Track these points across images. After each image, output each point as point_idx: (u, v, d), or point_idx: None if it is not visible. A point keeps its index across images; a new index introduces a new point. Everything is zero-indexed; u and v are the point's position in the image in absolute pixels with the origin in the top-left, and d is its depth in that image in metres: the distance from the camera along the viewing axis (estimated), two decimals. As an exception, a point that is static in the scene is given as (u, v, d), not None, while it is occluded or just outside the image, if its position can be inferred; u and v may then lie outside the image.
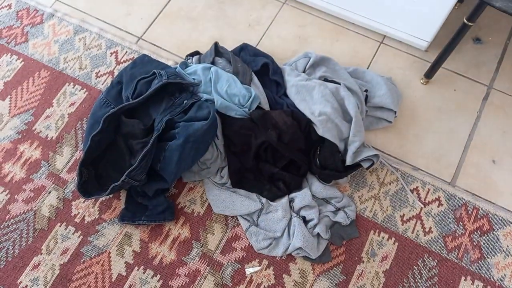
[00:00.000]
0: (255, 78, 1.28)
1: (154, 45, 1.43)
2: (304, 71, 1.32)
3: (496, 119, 1.29)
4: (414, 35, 1.34)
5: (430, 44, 1.34)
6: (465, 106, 1.31)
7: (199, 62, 1.33)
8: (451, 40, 1.16)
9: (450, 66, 1.36)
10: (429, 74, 1.31)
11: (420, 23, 1.28)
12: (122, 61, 1.39)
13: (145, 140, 1.05)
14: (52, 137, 1.27)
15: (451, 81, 1.35)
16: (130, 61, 1.37)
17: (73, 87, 1.35)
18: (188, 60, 1.35)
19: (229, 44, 1.39)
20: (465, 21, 1.09)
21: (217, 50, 1.34)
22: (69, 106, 1.31)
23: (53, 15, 1.48)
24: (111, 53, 1.40)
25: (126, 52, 1.40)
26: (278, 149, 1.13)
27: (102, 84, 1.35)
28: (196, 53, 1.39)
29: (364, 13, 1.36)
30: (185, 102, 1.16)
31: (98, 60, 1.39)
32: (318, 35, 1.45)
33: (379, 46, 1.42)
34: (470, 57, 1.39)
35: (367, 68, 1.37)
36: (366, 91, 1.30)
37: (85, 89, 1.34)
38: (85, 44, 1.42)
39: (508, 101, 1.32)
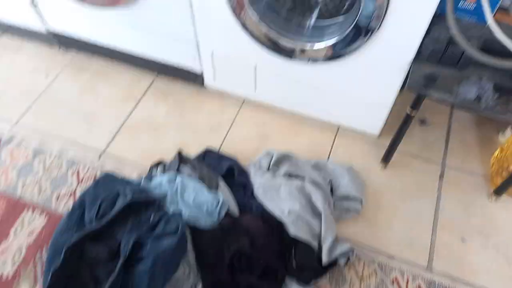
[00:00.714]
0: (221, 183, 1.29)
1: (117, 158, 1.44)
2: (268, 169, 1.35)
3: (455, 196, 1.35)
4: (365, 124, 1.43)
5: (381, 130, 1.43)
6: (425, 186, 1.38)
7: (164, 172, 1.34)
8: (398, 129, 1.25)
9: (404, 149, 1.44)
10: (385, 160, 1.38)
11: (368, 114, 1.37)
12: (84, 179, 1.37)
13: (111, 268, 1.00)
14: (8, 275, 1.18)
15: (407, 163, 1.43)
16: (93, 178, 1.36)
17: (32, 214, 1.29)
18: (153, 171, 1.35)
19: (193, 150, 1.42)
20: (409, 110, 1.19)
21: (181, 158, 1.36)
22: (28, 235, 1.24)
23: (12, 139, 1.47)
24: (72, 173, 1.38)
25: (88, 169, 1.39)
26: (253, 256, 1.11)
27: (63, 207, 1.31)
28: (160, 162, 1.40)
29: (316, 109, 1.46)
30: (151, 218, 1.14)
31: (59, 181, 1.36)
32: (277, 132, 1.52)
33: (335, 137, 1.50)
34: (420, 138, 1.49)
35: (328, 159, 1.43)
36: (330, 182, 1.34)
37: (45, 214, 1.29)
38: (45, 166, 1.40)
39: (462, 177, 1.39)
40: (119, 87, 1.64)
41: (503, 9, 1.02)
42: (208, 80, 1.55)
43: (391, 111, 1.34)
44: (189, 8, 1.27)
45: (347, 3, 1.21)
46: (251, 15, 1.18)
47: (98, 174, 1.38)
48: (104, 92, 1.63)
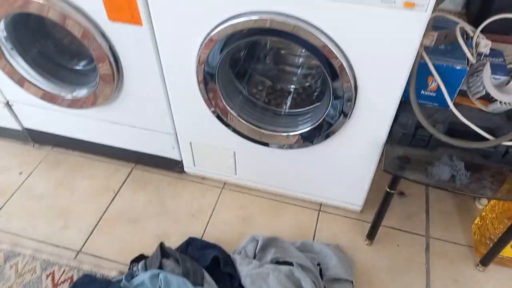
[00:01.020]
0: (207, 276, 1.24)
1: (95, 256, 1.37)
2: (254, 256, 1.32)
3: (444, 268, 1.34)
4: (346, 201, 1.45)
5: (363, 205, 1.45)
6: (413, 260, 1.37)
7: (146, 268, 1.28)
8: (380, 207, 1.27)
9: (387, 223, 1.45)
10: (370, 236, 1.38)
11: (349, 191, 1.40)
12: (59, 282, 1.28)
13: None
14: None
15: (392, 237, 1.43)
16: (70, 281, 1.28)
17: (3, 329, 1.19)
18: (134, 268, 1.29)
19: (175, 240, 1.38)
20: (388, 189, 1.21)
21: (163, 251, 1.31)
22: None
23: (-19, 245, 1.39)
24: (47, 275, 1.30)
25: (64, 271, 1.31)
26: None
27: (38, 317, 1.21)
28: (141, 257, 1.34)
29: (297, 188, 1.47)
30: (136, 325, 1.07)
31: (32, 286, 1.28)
32: (260, 213, 1.51)
33: (318, 214, 1.50)
34: (400, 211, 1.51)
35: (313, 239, 1.42)
36: (318, 264, 1.31)
37: (17, 328, 1.19)
38: (17, 271, 1.31)
39: (448, 248, 1.40)
40: (96, 180, 1.62)
41: (462, 92, 1.11)
42: (187, 166, 1.56)
43: (371, 185, 1.37)
44: (166, 104, 1.31)
45: (316, 94, 1.28)
46: (229, 109, 1.23)
47: (75, 275, 1.31)
48: (81, 186, 1.60)
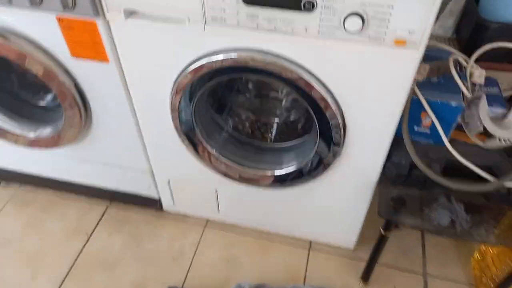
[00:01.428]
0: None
1: (66, 310, 1.25)
2: (241, 305, 1.22)
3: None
4: (337, 238, 1.36)
5: (356, 242, 1.36)
6: (411, 302, 1.28)
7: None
8: (374, 248, 1.17)
9: (381, 260, 1.35)
10: (365, 277, 1.29)
11: (340, 228, 1.30)
12: None
13: None
14: None
15: (388, 276, 1.33)
16: None
17: None
18: (108, 324, 1.18)
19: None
20: (382, 231, 1.13)
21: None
22: None
23: None
24: (11, 336, 1.18)
25: (31, 330, 1.19)
26: None
27: None
28: (117, 310, 1.23)
29: (286, 226, 1.38)
30: None
31: None
32: (247, 254, 1.40)
33: (308, 253, 1.40)
34: (395, 245, 1.42)
35: (304, 283, 1.31)
36: (310, 311, 1.22)
37: None
38: (-23, 333, 1.19)
39: (447, 286, 1.32)
40: (67, 221, 1.49)
41: (459, 127, 1.04)
42: (166, 205, 1.45)
43: (365, 218, 1.28)
44: (140, 142, 1.21)
45: (301, 127, 1.20)
46: (209, 149, 1.14)
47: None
48: (51, 228, 1.47)
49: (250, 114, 1.23)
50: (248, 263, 1.37)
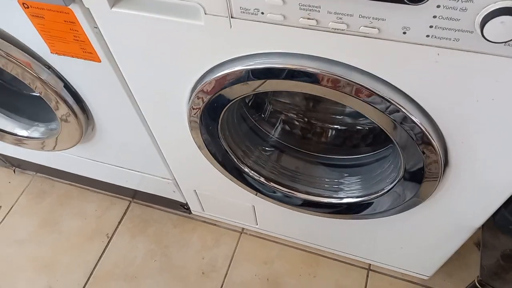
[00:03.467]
0: None
1: (84, 331, 1.12)
2: None
3: None
4: (409, 266, 1.08)
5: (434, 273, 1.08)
6: None
7: None
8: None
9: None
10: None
11: (414, 261, 1.02)
12: None
13: None
14: None
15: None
16: None
17: None
18: None
19: (182, 309, 1.09)
20: (477, 285, 0.83)
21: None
22: None
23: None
24: None
25: None
26: None
27: None
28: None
29: (339, 244, 1.11)
30: None
31: None
32: (290, 271, 1.16)
33: (367, 276, 1.15)
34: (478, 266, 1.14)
35: (361, 315, 1.09)
36: None
37: None
38: None
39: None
40: (86, 219, 1.30)
41: None
42: (195, 210, 1.22)
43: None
44: (156, 150, 0.94)
45: (370, 141, 0.86)
46: (241, 167, 0.85)
47: None
48: (69, 226, 1.29)
49: (299, 116, 0.92)
50: (292, 284, 1.14)
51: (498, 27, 0.41)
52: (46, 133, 1.01)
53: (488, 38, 0.42)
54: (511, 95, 0.50)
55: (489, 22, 0.41)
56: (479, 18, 0.42)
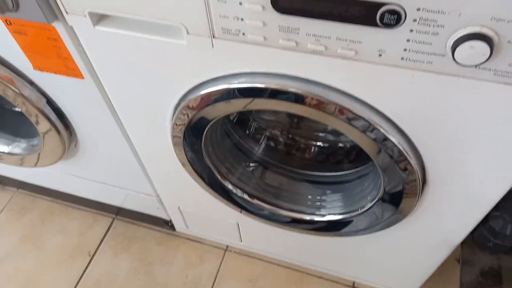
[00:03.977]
0: None
1: None
2: None
3: None
4: (393, 283, 1.08)
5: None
6: None
7: None
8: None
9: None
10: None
11: (397, 277, 1.02)
12: None
13: None
14: None
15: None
16: None
17: None
18: None
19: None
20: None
21: None
22: None
23: None
24: None
25: None
26: None
27: None
28: None
29: (324, 264, 1.11)
30: None
31: None
32: (275, 288, 1.17)
33: (352, 293, 1.15)
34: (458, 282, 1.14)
35: (345, 334, 1.08)
36: None
37: None
38: None
39: None
40: (68, 235, 1.28)
41: None
42: (179, 227, 1.21)
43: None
44: (138, 165, 0.94)
45: (352, 158, 0.87)
46: (229, 187, 0.85)
47: None
48: (51, 243, 1.26)
49: (283, 132, 0.93)
50: (276, 301, 1.14)
51: (468, 51, 0.43)
52: (27, 149, 0.99)
53: (459, 62, 0.44)
54: (484, 116, 0.52)
55: (460, 46, 0.43)
56: (450, 42, 0.44)
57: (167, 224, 1.22)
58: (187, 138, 0.74)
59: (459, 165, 0.61)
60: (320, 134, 0.89)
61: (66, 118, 0.85)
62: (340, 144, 0.87)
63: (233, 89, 0.60)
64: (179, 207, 1.06)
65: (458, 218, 0.72)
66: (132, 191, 1.07)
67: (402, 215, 0.72)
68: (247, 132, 0.94)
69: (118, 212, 1.29)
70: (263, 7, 0.47)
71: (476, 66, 0.45)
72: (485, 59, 0.43)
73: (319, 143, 0.90)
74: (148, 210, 1.17)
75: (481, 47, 0.42)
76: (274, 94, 0.58)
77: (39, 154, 0.98)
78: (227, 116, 0.86)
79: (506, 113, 0.50)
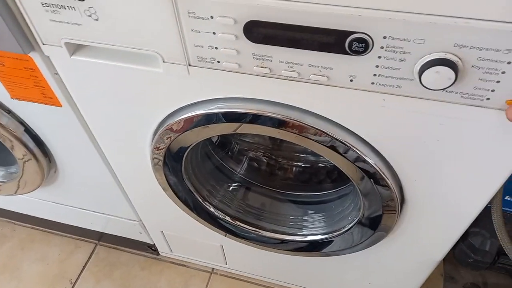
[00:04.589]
0: None
1: None
2: None
3: None
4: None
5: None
6: None
7: None
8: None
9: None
10: None
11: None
12: None
13: None
14: None
15: None
16: None
17: None
18: None
19: None
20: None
21: None
22: None
23: None
24: None
25: None
26: None
27: None
28: None
29: (313, 282, 1.10)
30: None
31: None
32: (262, 311, 1.15)
33: (338, 312, 1.15)
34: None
35: None
36: None
37: None
38: None
39: None
40: (48, 263, 1.24)
41: None
42: (163, 251, 1.19)
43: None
44: (121, 193, 0.93)
45: (333, 178, 0.88)
46: (211, 210, 0.85)
47: None
48: (29, 272, 1.23)
49: (264, 154, 0.94)
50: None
51: (434, 76, 0.44)
52: (6, 177, 0.98)
53: (426, 86, 0.45)
54: (454, 136, 0.53)
55: (426, 71, 0.44)
56: (417, 68, 0.45)
57: (151, 249, 1.20)
58: (167, 162, 0.74)
59: (435, 183, 0.62)
60: (302, 155, 0.90)
61: (45, 145, 0.85)
62: (321, 164, 0.88)
63: (210, 114, 0.61)
64: (162, 231, 1.05)
65: (438, 235, 0.73)
66: (114, 216, 1.05)
67: (383, 233, 0.73)
68: (230, 154, 0.95)
69: (101, 237, 1.27)
70: (236, 37, 0.48)
71: (443, 90, 0.47)
72: (450, 83, 0.44)
73: (300, 163, 0.91)
74: (130, 235, 1.15)
75: (446, 72, 0.44)
76: (250, 119, 0.59)
77: (18, 182, 0.96)
78: (208, 138, 0.87)
79: (474, 133, 0.52)
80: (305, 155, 0.90)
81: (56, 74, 0.64)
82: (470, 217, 0.67)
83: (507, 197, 0.73)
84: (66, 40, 0.56)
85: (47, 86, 0.66)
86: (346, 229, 0.73)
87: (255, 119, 0.60)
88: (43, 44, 0.58)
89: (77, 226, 1.20)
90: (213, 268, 1.21)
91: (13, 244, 1.31)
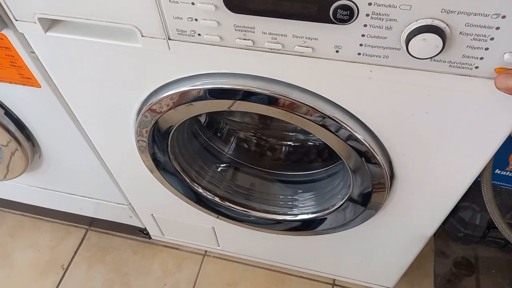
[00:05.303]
0: None
1: None
2: None
3: None
4: (371, 278, 1.08)
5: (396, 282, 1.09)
6: None
7: None
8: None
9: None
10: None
11: (375, 272, 1.03)
12: None
13: None
14: None
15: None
16: None
17: None
18: None
19: None
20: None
21: None
22: None
23: None
24: None
25: None
26: None
27: None
28: None
29: (303, 263, 1.10)
30: None
31: None
32: (255, 292, 1.16)
33: (332, 291, 1.15)
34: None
35: (327, 333, 1.08)
36: None
37: None
38: None
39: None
40: (40, 250, 1.23)
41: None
42: (154, 235, 1.19)
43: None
44: (109, 177, 0.91)
45: (325, 157, 0.87)
46: (200, 190, 0.84)
47: None
48: (21, 259, 1.22)
49: (252, 133, 0.92)
50: (257, 304, 1.13)
51: (421, 44, 0.43)
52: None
53: (413, 55, 0.44)
54: (443, 108, 0.52)
55: (413, 39, 0.43)
56: (403, 36, 0.44)
57: (143, 232, 1.19)
58: (152, 143, 0.72)
59: (424, 157, 0.61)
60: (290, 134, 0.88)
61: (27, 129, 0.82)
62: (310, 143, 0.86)
63: (193, 91, 0.59)
64: (152, 215, 1.04)
65: (428, 210, 0.73)
66: (103, 200, 1.04)
67: (374, 210, 0.72)
68: (217, 134, 0.93)
69: (91, 222, 1.26)
70: (216, 7, 0.46)
71: (431, 59, 0.45)
72: (438, 51, 0.43)
73: (289, 143, 0.89)
74: (121, 219, 1.14)
75: (434, 39, 0.42)
76: (234, 94, 0.57)
77: (2, 167, 0.94)
78: (194, 117, 0.85)
79: (463, 103, 0.51)
80: (294, 133, 0.88)
81: (33, 52, 0.62)
82: (460, 191, 0.66)
83: (497, 171, 0.73)
84: (40, 15, 0.53)
85: (24, 65, 0.64)
86: (336, 207, 0.72)
87: (244, 95, 0.58)
88: (16, 20, 0.55)
89: (67, 212, 1.19)
90: (205, 251, 1.21)
91: (2, 232, 1.29)
